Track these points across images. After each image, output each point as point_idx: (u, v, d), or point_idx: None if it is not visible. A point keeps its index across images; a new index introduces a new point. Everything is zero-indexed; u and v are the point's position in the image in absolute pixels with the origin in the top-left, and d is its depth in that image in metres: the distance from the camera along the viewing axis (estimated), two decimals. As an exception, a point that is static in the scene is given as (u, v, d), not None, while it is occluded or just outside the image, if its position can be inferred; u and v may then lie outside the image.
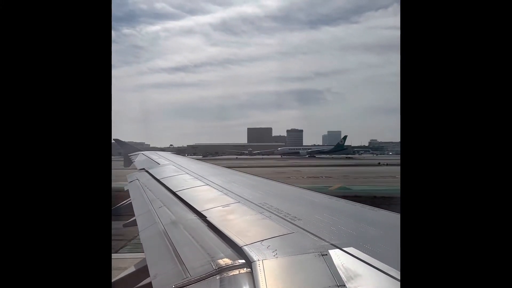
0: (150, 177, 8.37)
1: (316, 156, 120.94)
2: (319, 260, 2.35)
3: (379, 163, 76.43)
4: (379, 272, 2.09)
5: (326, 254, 2.40)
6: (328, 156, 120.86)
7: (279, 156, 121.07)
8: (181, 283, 2.46)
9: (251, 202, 4.40)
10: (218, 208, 4.28)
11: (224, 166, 10.12)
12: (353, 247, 2.47)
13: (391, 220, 3.30)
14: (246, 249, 2.65)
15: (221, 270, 2.48)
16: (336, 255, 2.38)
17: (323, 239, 2.74)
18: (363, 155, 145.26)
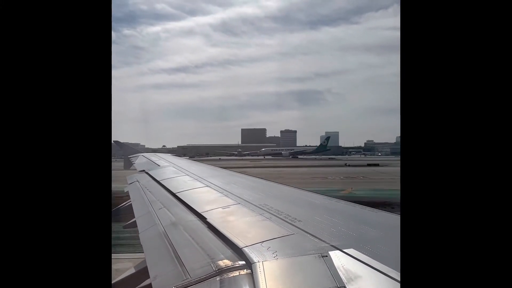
0: (150, 178, 8.37)
1: (299, 157, 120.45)
2: (319, 262, 2.35)
3: (346, 163, 76.51)
4: (379, 273, 2.08)
5: (326, 256, 2.40)
6: (311, 157, 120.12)
7: (262, 157, 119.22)
8: (181, 285, 2.46)
9: (251, 203, 4.40)
10: (218, 210, 4.28)
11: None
12: (353, 248, 2.47)
13: (391, 221, 3.30)
14: (246, 250, 2.65)
15: (221, 271, 2.47)
16: (336, 256, 2.38)
17: (323, 241, 2.74)
18: (352, 156, 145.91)
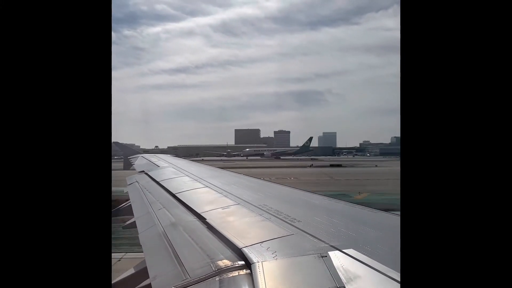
0: (150, 179, 8.37)
1: (281, 157, 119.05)
2: (319, 262, 2.35)
3: (311, 165, 76.69)
4: (378, 273, 2.09)
5: (326, 256, 2.40)
6: (293, 157, 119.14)
7: (245, 157, 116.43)
8: (180, 285, 2.46)
9: (251, 204, 4.41)
10: (218, 210, 4.28)
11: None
12: (353, 248, 2.47)
13: (390, 221, 3.30)
14: (246, 250, 2.65)
15: (221, 271, 2.48)
16: (335, 256, 2.38)
17: (323, 241, 2.74)
18: (340, 157, 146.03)
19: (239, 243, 2.85)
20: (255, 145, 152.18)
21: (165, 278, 2.76)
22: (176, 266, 2.85)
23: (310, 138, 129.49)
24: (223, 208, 4.37)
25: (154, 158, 14.33)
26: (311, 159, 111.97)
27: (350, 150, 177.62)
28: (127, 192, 7.85)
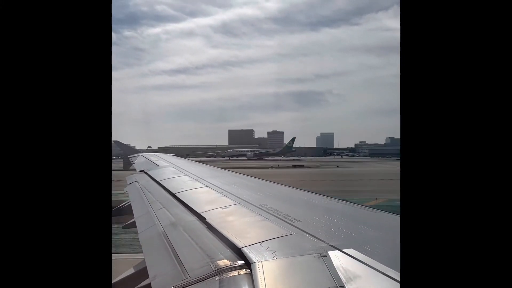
0: (150, 179, 8.37)
1: (264, 158, 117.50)
2: (319, 262, 2.35)
3: (272, 166, 77.18)
4: (378, 273, 2.09)
5: (326, 256, 2.40)
6: (274, 158, 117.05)
7: (227, 158, 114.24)
8: (180, 284, 2.46)
9: (251, 203, 4.41)
10: (218, 210, 4.29)
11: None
12: (352, 248, 2.48)
13: (390, 221, 3.31)
14: (246, 250, 2.65)
15: (220, 271, 2.48)
16: (335, 256, 2.38)
17: (323, 241, 2.75)
18: (329, 157, 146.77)
19: (239, 242, 2.85)
20: (248, 145, 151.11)
21: (165, 278, 2.76)
22: (176, 266, 2.85)
23: (293, 139, 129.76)
24: (223, 207, 4.37)
25: (154, 157, 14.32)
26: (294, 159, 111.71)
27: (341, 151, 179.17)
28: (127, 192, 7.85)
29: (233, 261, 2.59)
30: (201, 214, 4.11)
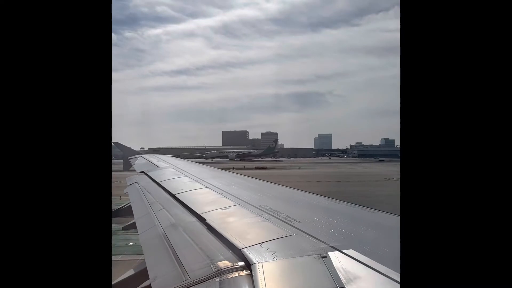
0: (150, 180, 8.36)
1: (246, 159, 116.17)
2: (319, 263, 2.35)
3: (244, 166, 78.42)
4: (378, 274, 2.09)
5: (326, 256, 2.40)
6: (258, 159, 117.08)
7: (210, 159, 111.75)
8: (180, 286, 2.46)
9: (251, 204, 4.40)
10: (218, 211, 4.28)
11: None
12: (353, 249, 2.47)
13: (390, 221, 3.30)
14: (246, 251, 2.65)
15: (221, 272, 2.47)
16: (335, 257, 2.38)
17: (323, 241, 2.74)
18: (319, 158, 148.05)
19: (239, 244, 2.85)
20: (240, 146, 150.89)
21: (165, 279, 2.76)
22: (176, 267, 2.84)
23: (276, 140, 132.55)
24: (223, 208, 4.37)
25: (153, 158, 14.33)
26: (276, 161, 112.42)
27: (333, 152, 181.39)
28: (127, 193, 7.85)
29: (233, 262, 2.59)
30: (201, 215, 4.11)
